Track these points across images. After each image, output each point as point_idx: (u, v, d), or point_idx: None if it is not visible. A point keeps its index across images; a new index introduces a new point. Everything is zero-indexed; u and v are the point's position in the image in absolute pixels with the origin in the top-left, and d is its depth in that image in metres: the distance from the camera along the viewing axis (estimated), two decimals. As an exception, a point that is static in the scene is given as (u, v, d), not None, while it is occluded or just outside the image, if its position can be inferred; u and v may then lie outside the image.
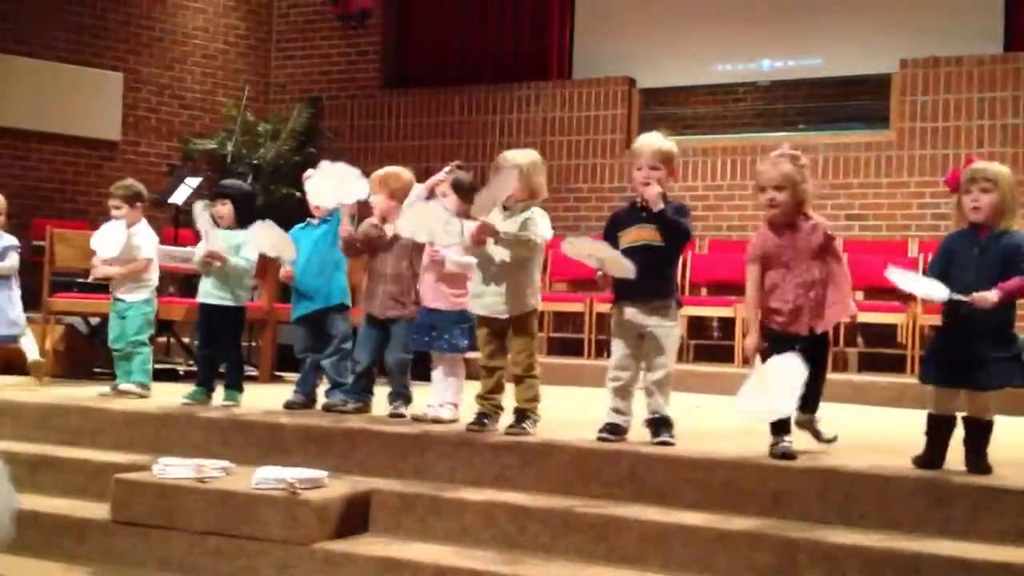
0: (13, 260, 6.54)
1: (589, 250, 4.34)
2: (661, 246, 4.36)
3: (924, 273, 4.03)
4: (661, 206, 4.33)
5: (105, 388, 5.94)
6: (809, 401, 4.25)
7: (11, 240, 6.60)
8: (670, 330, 4.42)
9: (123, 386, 5.79)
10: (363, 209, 5.29)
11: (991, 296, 3.78)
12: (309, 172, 5.40)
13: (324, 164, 5.18)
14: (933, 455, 3.96)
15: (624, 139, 10.09)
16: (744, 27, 9.99)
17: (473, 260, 4.70)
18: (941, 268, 3.98)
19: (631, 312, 4.43)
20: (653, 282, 4.37)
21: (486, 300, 4.62)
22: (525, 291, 4.58)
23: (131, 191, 6.00)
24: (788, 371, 3.94)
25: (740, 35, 10.03)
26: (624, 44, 10.46)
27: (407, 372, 5.20)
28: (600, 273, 4.38)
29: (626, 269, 4.26)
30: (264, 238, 5.34)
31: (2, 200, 6.56)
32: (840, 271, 4.21)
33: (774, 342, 4.25)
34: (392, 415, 5.04)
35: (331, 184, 5.11)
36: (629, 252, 4.35)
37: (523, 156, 4.64)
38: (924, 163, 9.00)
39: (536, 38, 10.88)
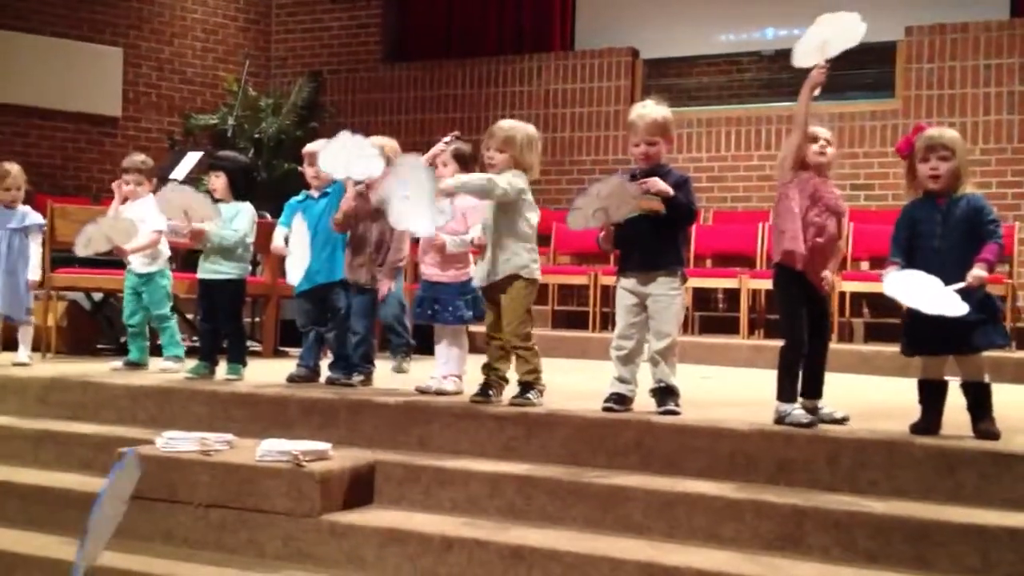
0: (39, 240, 6.19)
1: (591, 206, 4.28)
2: (663, 216, 4.33)
3: (892, 246, 4.02)
4: (670, 193, 4.29)
5: (116, 363, 5.90)
6: (811, 386, 4.26)
7: (37, 218, 6.21)
8: (671, 299, 4.38)
9: (162, 364, 5.77)
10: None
11: (982, 272, 3.85)
12: (311, 145, 5.38)
13: (344, 134, 5.06)
14: (929, 421, 3.99)
15: (627, 110, 10.00)
16: (747, -5, 9.89)
17: (471, 236, 4.71)
18: (906, 238, 4.02)
19: (632, 281, 4.43)
20: (654, 251, 4.38)
21: (478, 269, 4.65)
22: (510, 256, 4.55)
23: (147, 165, 5.99)
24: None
25: (743, 4, 9.92)
26: (626, 15, 10.37)
27: (405, 323, 5.22)
28: (603, 234, 4.35)
29: (630, 198, 4.23)
30: (174, 201, 5.35)
31: (16, 169, 6.20)
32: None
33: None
34: (396, 370, 5.10)
35: (345, 155, 5.04)
36: (631, 222, 4.33)
37: (510, 130, 4.62)
38: (930, 132, 8.91)
39: (538, 9, 10.77)
